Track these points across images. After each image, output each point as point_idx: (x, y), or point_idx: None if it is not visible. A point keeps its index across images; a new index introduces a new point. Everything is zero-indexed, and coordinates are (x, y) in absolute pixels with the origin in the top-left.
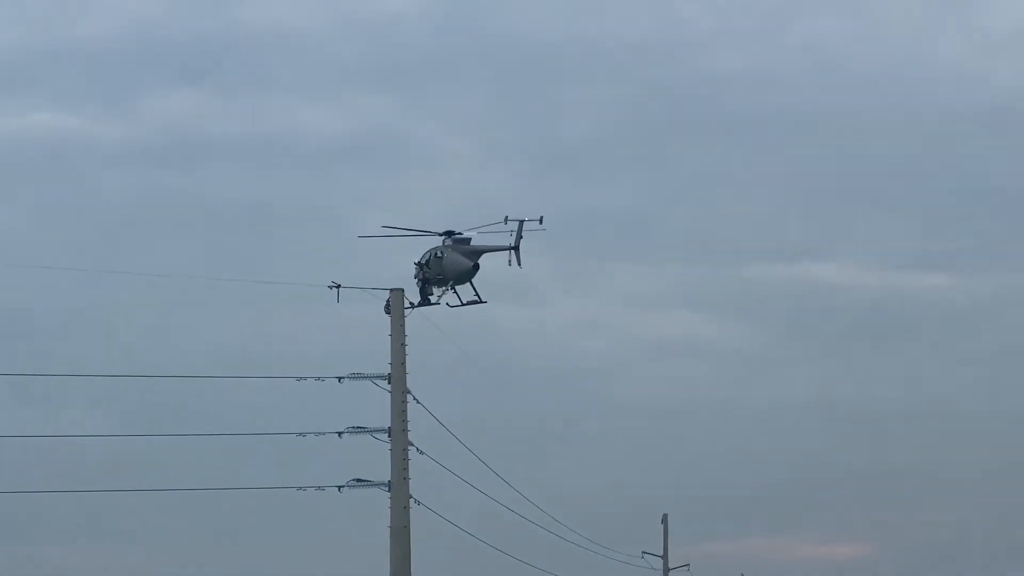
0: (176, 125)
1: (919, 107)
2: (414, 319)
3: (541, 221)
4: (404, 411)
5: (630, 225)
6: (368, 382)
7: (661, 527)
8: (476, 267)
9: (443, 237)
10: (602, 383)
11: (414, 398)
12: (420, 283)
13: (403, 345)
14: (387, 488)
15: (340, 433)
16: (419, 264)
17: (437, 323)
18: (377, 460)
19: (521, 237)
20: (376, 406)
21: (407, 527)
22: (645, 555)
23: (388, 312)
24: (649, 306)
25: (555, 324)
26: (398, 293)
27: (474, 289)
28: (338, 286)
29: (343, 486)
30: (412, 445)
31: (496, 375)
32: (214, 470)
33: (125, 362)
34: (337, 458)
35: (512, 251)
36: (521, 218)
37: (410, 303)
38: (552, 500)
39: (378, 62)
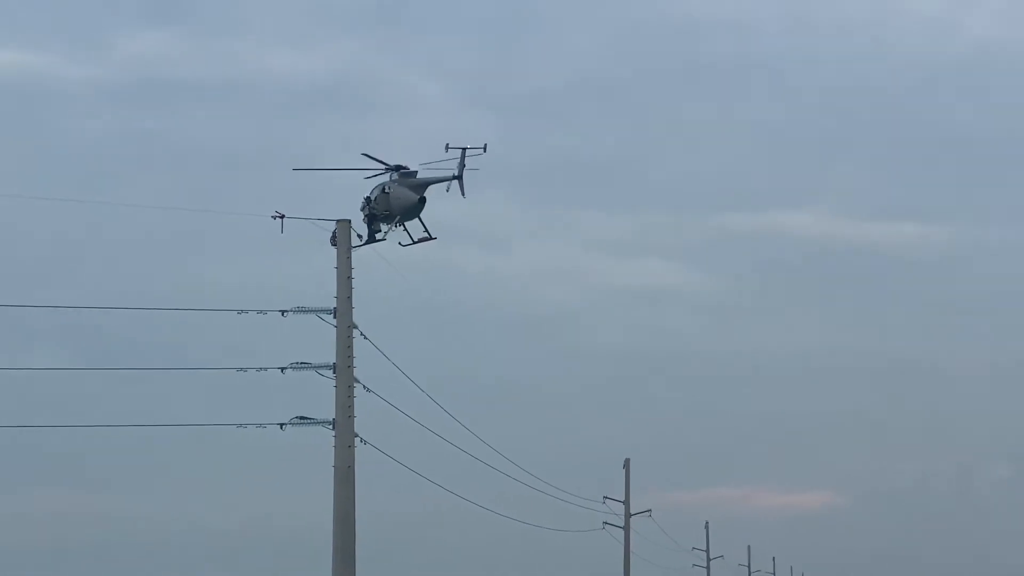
0: (147, 66)
1: (892, 57)
2: (366, 257)
3: (485, 149)
4: (350, 346)
5: (601, 172)
6: (313, 316)
7: (623, 473)
8: (423, 201)
9: (391, 172)
10: (568, 330)
11: (361, 333)
12: (367, 219)
13: (349, 278)
14: (331, 426)
15: (283, 369)
16: (367, 199)
17: (390, 261)
18: (322, 397)
19: (464, 166)
20: (321, 341)
21: (352, 467)
22: (607, 500)
23: (334, 244)
24: (618, 254)
25: (522, 270)
26: (344, 224)
27: (423, 225)
28: (281, 216)
29: (285, 424)
30: (358, 382)
31: (456, 318)
32: (152, 406)
33: (70, 296)
34: (280, 395)
35: (456, 180)
36: (463, 145)
37: (358, 236)
38: (512, 444)
39: (353, 5)
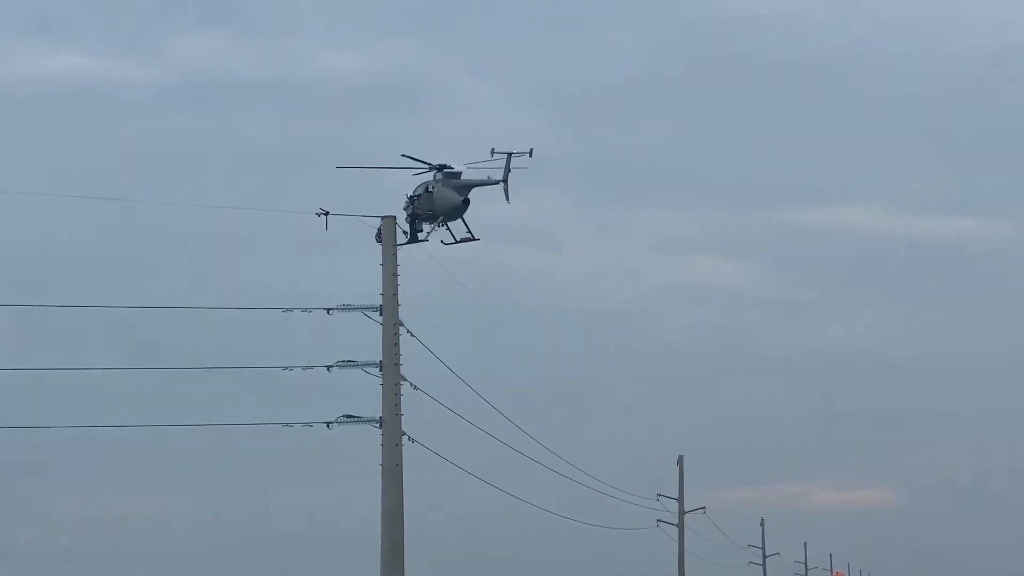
0: (199, 68)
1: (949, 50)
2: (412, 256)
3: (531, 154)
4: (396, 344)
5: (656, 169)
6: (359, 314)
7: (677, 470)
8: (466, 202)
9: (434, 172)
10: (621, 328)
11: (407, 330)
12: (410, 219)
13: (395, 275)
14: (378, 425)
15: (329, 367)
16: (410, 198)
17: (440, 261)
18: (368, 396)
19: (509, 171)
20: (368, 340)
21: (399, 465)
22: (660, 498)
23: (379, 241)
24: (672, 251)
25: (575, 268)
26: (389, 220)
27: (466, 226)
28: (326, 213)
29: (332, 422)
30: (405, 380)
31: (507, 316)
32: (198, 405)
33: (116, 295)
34: (326, 393)
35: (501, 185)
36: (509, 151)
37: (403, 232)
38: (564, 442)
39: (402, 5)
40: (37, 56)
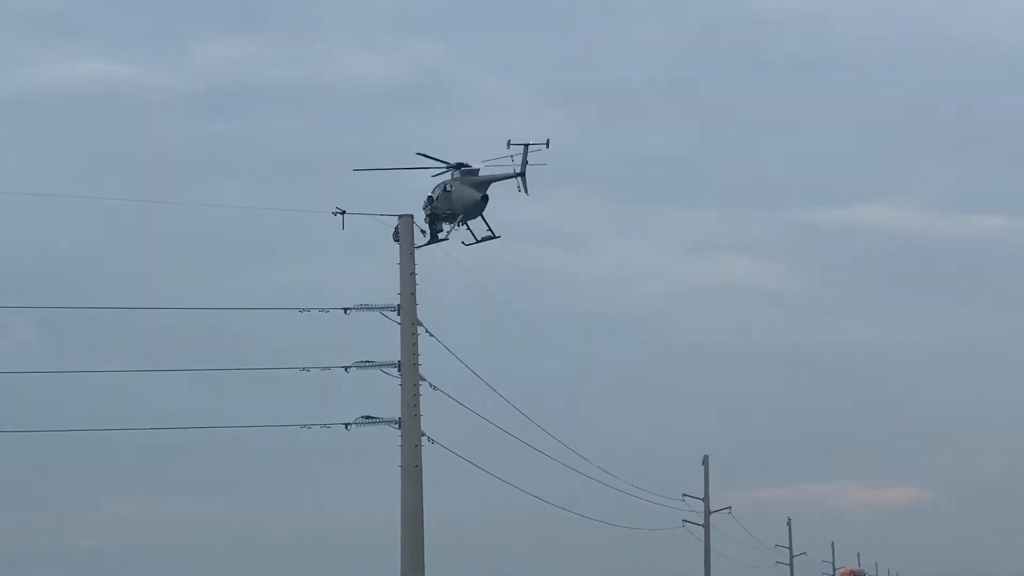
0: (224, 72)
1: (973, 46)
2: (432, 256)
3: (548, 144)
4: (415, 344)
5: (680, 168)
6: (377, 314)
7: (702, 470)
8: (485, 199)
9: (451, 170)
10: (647, 327)
11: (426, 330)
12: (428, 219)
13: (413, 274)
14: (397, 425)
15: (347, 368)
16: (429, 198)
17: (459, 259)
18: (387, 396)
19: (527, 163)
20: (386, 340)
21: (419, 466)
22: (685, 498)
23: (397, 240)
24: (698, 250)
25: (600, 267)
26: (407, 219)
27: (486, 223)
28: (342, 212)
29: (351, 423)
30: (424, 380)
31: (531, 315)
32: (216, 407)
33: (136, 296)
34: (345, 394)
35: (519, 178)
36: (525, 142)
37: (421, 232)
38: (588, 442)
39: (427, 7)
40: (62, 61)
